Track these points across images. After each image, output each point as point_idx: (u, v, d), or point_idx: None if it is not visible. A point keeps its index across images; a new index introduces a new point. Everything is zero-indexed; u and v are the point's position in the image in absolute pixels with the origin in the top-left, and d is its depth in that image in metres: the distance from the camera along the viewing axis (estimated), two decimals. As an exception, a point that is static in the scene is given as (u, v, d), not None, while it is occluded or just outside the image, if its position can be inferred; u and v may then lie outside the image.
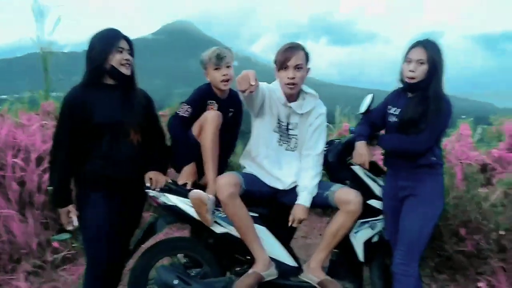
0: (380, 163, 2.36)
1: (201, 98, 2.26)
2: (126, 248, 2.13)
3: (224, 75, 2.22)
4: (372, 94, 2.27)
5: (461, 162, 3.49)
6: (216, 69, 2.22)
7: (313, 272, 2.09)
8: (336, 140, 2.42)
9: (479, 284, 2.61)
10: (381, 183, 2.25)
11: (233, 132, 2.42)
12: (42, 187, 3.15)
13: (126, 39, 1.95)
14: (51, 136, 3.56)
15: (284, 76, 2.05)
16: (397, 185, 2.10)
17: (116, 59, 1.89)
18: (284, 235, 2.21)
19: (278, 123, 2.15)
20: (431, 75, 1.96)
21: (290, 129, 2.16)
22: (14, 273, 2.82)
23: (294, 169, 2.18)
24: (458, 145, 3.91)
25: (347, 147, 2.28)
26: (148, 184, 2.07)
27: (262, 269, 2.00)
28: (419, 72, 1.96)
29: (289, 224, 2.09)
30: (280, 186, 2.16)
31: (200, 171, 2.20)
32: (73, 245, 3.14)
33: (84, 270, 2.03)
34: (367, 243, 2.18)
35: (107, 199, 1.93)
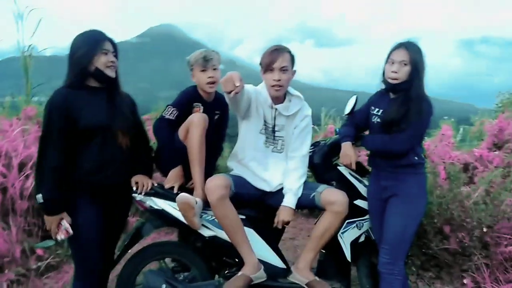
0: (366, 163, 2.39)
1: (187, 101, 2.26)
2: (111, 253, 2.10)
3: (210, 77, 2.22)
4: (356, 96, 2.30)
5: (444, 162, 3.57)
6: (202, 71, 2.22)
7: (301, 273, 2.10)
8: (322, 142, 2.44)
9: (464, 281, 2.66)
10: (367, 183, 2.28)
11: (219, 134, 2.42)
12: (25, 193, 3.09)
13: (111, 41, 1.92)
14: (33, 141, 3.51)
15: (270, 78, 2.06)
16: (381, 185, 2.13)
17: (101, 61, 1.86)
18: (272, 236, 2.21)
19: (265, 125, 2.16)
20: (413, 76, 1.99)
21: (276, 131, 2.17)
22: (-4, 282, 2.75)
23: (280, 171, 2.19)
24: (441, 145, 3.99)
25: (333, 148, 2.31)
26: (134, 188, 2.05)
27: (251, 272, 2.00)
28: (402, 73, 1.99)
29: (274, 225, 2.10)
30: (267, 188, 2.17)
31: (187, 175, 2.19)
32: (57, 252, 3.09)
33: (73, 276, 1.99)
34: (354, 243, 2.20)
35: (95, 204, 1.90)
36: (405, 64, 1.99)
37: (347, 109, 2.27)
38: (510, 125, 3.93)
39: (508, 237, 2.68)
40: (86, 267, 1.94)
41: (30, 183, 3.12)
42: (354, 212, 2.16)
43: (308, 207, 2.21)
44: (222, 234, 2.04)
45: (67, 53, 1.89)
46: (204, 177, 2.09)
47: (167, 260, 2.34)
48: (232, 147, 2.29)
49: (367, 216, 2.23)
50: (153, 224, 2.18)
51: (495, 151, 3.86)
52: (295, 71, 2.14)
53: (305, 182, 2.17)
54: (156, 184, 2.11)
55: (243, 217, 2.08)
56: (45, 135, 1.83)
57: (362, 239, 2.24)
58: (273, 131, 2.17)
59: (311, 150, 2.29)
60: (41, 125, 3.94)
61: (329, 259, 2.25)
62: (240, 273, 2.00)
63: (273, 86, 2.06)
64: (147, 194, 2.06)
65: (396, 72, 1.99)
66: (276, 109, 2.13)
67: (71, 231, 1.84)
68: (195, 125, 2.08)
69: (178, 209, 1.99)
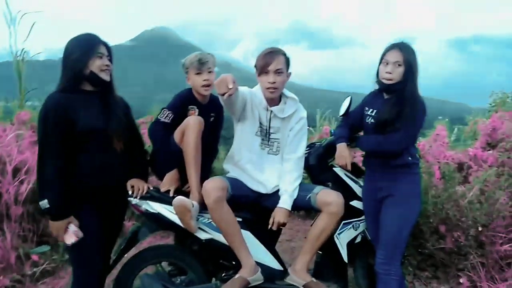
0: (361, 164, 2.40)
1: (182, 104, 2.26)
2: (108, 257, 2.09)
3: (205, 80, 2.22)
4: (350, 97, 2.31)
5: (438, 162, 3.59)
6: (197, 73, 2.23)
7: (298, 275, 2.10)
8: (317, 143, 2.45)
9: (460, 280, 2.67)
10: (362, 184, 2.29)
11: (214, 136, 2.42)
12: (19, 199, 3.07)
13: (105, 44, 1.91)
14: (27, 146, 3.49)
15: (264, 80, 2.06)
16: (376, 185, 2.14)
17: (96, 65, 1.85)
18: (269, 238, 2.21)
19: (260, 127, 2.16)
20: (407, 77, 2.01)
21: (271, 133, 2.18)
22: (-9, 289, 2.73)
23: (276, 173, 2.19)
24: (435, 145, 4.01)
25: (328, 149, 2.31)
26: (130, 192, 2.04)
27: (248, 274, 1.99)
28: (396, 74, 2.01)
29: (269, 227, 2.10)
30: (263, 190, 2.17)
31: (183, 178, 2.18)
32: (52, 257, 3.06)
33: (71, 282, 1.98)
34: (351, 244, 2.20)
35: (93, 209, 1.89)
36: (399, 65, 2.00)
37: (342, 110, 2.28)
38: (503, 124, 3.96)
39: (503, 236, 2.70)
40: (85, 272, 1.93)
41: (25, 188, 3.10)
42: (350, 213, 2.17)
43: (304, 208, 2.21)
44: (219, 237, 2.04)
45: (61, 57, 1.88)
46: (200, 179, 2.09)
47: (164, 264, 2.33)
48: (228, 149, 2.29)
49: (363, 217, 2.23)
50: (149, 228, 2.17)
51: (489, 150, 3.88)
52: (290, 73, 2.14)
53: (301, 184, 2.17)
54: (151, 188, 2.10)
55: (240, 219, 2.08)
56: (43, 140, 1.81)
57: (358, 239, 2.24)
58: (269, 133, 2.17)
59: (306, 152, 2.30)
60: (35, 130, 3.93)
61: (326, 260, 2.25)
62: (237, 275, 1.99)
63: (268, 88, 2.06)
64: (143, 197, 2.05)
65: (390, 73, 2.01)
66: (271, 111, 2.13)
67: (80, 234, 1.82)
68: (191, 128, 2.08)
69: (174, 212, 1.98)
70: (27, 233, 3.08)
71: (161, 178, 2.22)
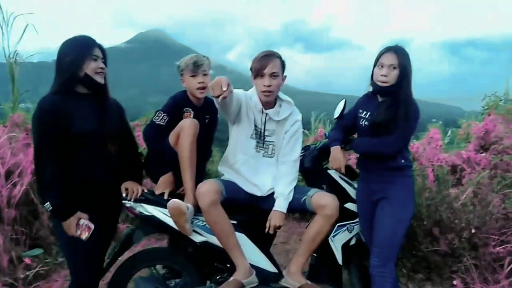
0: (355, 166, 2.41)
1: (177, 106, 2.26)
2: (102, 260, 2.08)
3: (200, 82, 2.22)
4: (345, 100, 2.33)
5: (432, 164, 3.61)
6: (192, 76, 2.23)
7: (293, 277, 2.10)
8: (312, 146, 2.46)
9: (454, 282, 2.69)
10: (357, 186, 2.30)
11: (209, 137, 2.42)
12: (12, 201, 3.04)
13: (100, 46, 1.89)
14: (20, 148, 3.46)
15: (260, 83, 2.07)
16: (370, 188, 2.15)
17: (91, 68, 1.83)
18: (264, 241, 2.21)
19: (255, 130, 2.17)
20: (401, 80, 2.02)
21: (266, 136, 2.18)
22: (-17, 292, 2.70)
23: (271, 176, 2.19)
24: (429, 148, 4.04)
25: (323, 152, 2.32)
26: (124, 195, 2.03)
27: (243, 277, 1.99)
28: (391, 76, 2.02)
29: (266, 230, 2.10)
30: (258, 193, 2.17)
31: (178, 181, 2.18)
32: (45, 261, 3.04)
33: (69, 284, 1.98)
34: (345, 246, 2.21)
35: (88, 211, 1.87)
36: (394, 68, 2.02)
37: (336, 113, 2.29)
38: (496, 127, 3.99)
39: (496, 238, 2.72)
40: (83, 273, 1.92)
41: (18, 191, 3.07)
42: (344, 215, 2.17)
43: (299, 211, 2.22)
44: (214, 240, 2.04)
45: (54, 59, 1.86)
46: (195, 182, 2.08)
47: (158, 266, 2.32)
48: (223, 151, 2.29)
49: (357, 219, 2.24)
50: (143, 231, 2.16)
51: (482, 153, 3.91)
52: (285, 76, 2.15)
53: (296, 186, 2.17)
54: (146, 190, 2.09)
55: (235, 222, 2.08)
56: (39, 141, 1.80)
57: (353, 242, 2.25)
58: (264, 136, 2.18)
59: (301, 154, 2.30)
60: (29, 132, 3.90)
61: (321, 263, 2.26)
62: (231, 278, 1.99)
63: (263, 91, 2.07)
64: (137, 200, 2.05)
65: (385, 76, 2.02)
66: (266, 114, 2.14)
67: (92, 225, 1.82)
68: (186, 130, 2.08)
69: (169, 215, 1.98)
70: (19, 236, 3.06)
71: (155, 181, 2.22)
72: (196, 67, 2.22)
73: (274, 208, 2.10)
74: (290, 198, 2.13)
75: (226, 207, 2.01)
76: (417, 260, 2.95)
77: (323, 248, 2.15)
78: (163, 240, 3.45)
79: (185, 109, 2.27)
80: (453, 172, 3.74)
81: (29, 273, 2.87)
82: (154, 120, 2.20)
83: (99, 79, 1.87)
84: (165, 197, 2.08)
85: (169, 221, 2.01)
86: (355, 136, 2.31)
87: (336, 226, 2.16)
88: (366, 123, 2.14)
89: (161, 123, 2.17)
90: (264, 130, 2.17)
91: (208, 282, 2.18)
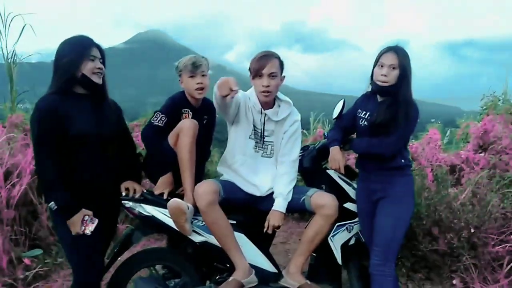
0: (354, 166, 2.41)
1: (175, 107, 2.25)
2: (102, 261, 2.08)
3: (198, 83, 2.22)
4: (344, 100, 2.33)
5: (431, 164, 3.62)
6: (191, 77, 2.23)
7: (292, 277, 2.11)
8: (311, 146, 2.46)
9: (453, 281, 2.69)
10: (356, 186, 2.30)
11: (207, 138, 2.42)
12: (11, 202, 3.04)
13: (98, 47, 1.89)
14: (19, 149, 3.46)
15: (258, 84, 2.07)
16: (369, 187, 2.15)
17: (88, 68, 1.83)
18: (263, 241, 2.21)
19: (254, 130, 2.17)
20: (401, 80, 2.03)
21: (265, 136, 2.18)
22: (-18, 293, 2.70)
23: (270, 176, 2.19)
24: (428, 148, 4.04)
25: (322, 152, 2.32)
26: (124, 194, 2.03)
27: (242, 277, 1.99)
28: (391, 76, 2.02)
29: (264, 230, 2.10)
30: (257, 193, 2.17)
31: (177, 181, 2.18)
32: (45, 261, 3.04)
33: (72, 283, 1.98)
34: (345, 246, 2.21)
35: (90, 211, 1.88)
36: (394, 68, 2.02)
37: (335, 113, 2.29)
38: (494, 127, 4.00)
39: (495, 237, 2.72)
40: (86, 272, 1.91)
41: (17, 191, 3.07)
42: (344, 215, 2.17)
43: (298, 211, 2.22)
44: (213, 240, 2.04)
45: (53, 59, 1.86)
46: (195, 182, 2.09)
47: (158, 267, 2.32)
48: (222, 152, 2.29)
49: (357, 219, 2.24)
50: (143, 231, 2.16)
51: (480, 153, 3.92)
52: (284, 76, 2.15)
53: (295, 186, 2.17)
54: (145, 191, 2.09)
55: (234, 222, 2.08)
56: (39, 141, 1.79)
57: (352, 241, 2.25)
58: (263, 136, 2.18)
59: (300, 155, 2.30)
60: (27, 132, 3.90)
61: (320, 263, 2.26)
62: (231, 278, 1.99)
63: (262, 92, 2.07)
64: (137, 200, 2.05)
65: (385, 76, 2.02)
66: (265, 114, 2.14)
67: (96, 220, 1.84)
68: (186, 131, 2.08)
69: (168, 215, 1.98)
70: (19, 237, 3.06)
71: (154, 181, 2.22)
72: (195, 68, 2.22)
73: (273, 208, 2.10)
74: (289, 198, 2.13)
75: (225, 207, 2.01)
76: (416, 259, 2.95)
77: (323, 248, 2.15)
78: (163, 241, 3.45)
79: (183, 110, 2.27)
80: (452, 172, 3.74)
81: (29, 273, 2.87)
82: (152, 121, 2.20)
83: (97, 79, 1.87)
84: (165, 197, 2.08)
85: (169, 221, 2.01)
86: (354, 136, 2.31)
87: (336, 226, 2.16)
88: (365, 123, 2.15)
89: (159, 124, 2.17)
90: (263, 130, 2.17)
91: (207, 282, 2.18)
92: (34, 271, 2.90)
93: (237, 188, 2.16)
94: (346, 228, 2.22)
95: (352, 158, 3.70)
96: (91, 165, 1.87)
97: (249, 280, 2.02)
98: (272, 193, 2.17)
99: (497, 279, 2.61)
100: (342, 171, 2.20)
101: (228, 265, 2.10)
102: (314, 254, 2.23)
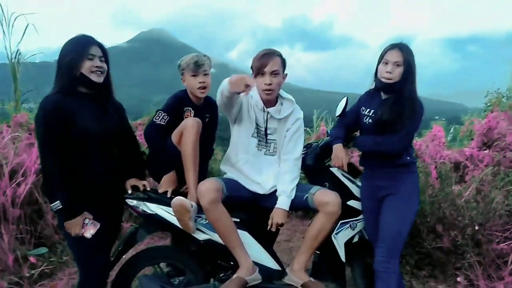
0: (357, 164, 2.41)
1: (177, 105, 2.26)
2: (107, 259, 2.09)
3: (201, 82, 2.22)
4: (347, 97, 2.32)
5: (435, 161, 3.61)
6: (193, 75, 2.23)
7: (296, 275, 2.11)
8: (314, 144, 2.46)
9: (458, 279, 2.69)
10: (359, 184, 2.30)
11: (210, 136, 2.43)
12: (16, 201, 3.06)
13: (100, 45, 1.89)
14: (24, 148, 3.48)
15: (261, 82, 2.07)
16: (375, 185, 2.15)
17: (86, 67, 1.83)
18: (267, 239, 2.21)
19: (257, 128, 2.17)
20: (406, 77, 2.02)
21: (268, 134, 2.18)
22: (-11, 291, 2.72)
23: (273, 174, 2.20)
24: (432, 145, 4.03)
25: (325, 150, 2.32)
26: (129, 192, 2.04)
27: (246, 274, 2.00)
28: (396, 73, 2.02)
29: (268, 228, 2.11)
30: (260, 191, 2.17)
31: (180, 179, 2.19)
32: (50, 259, 3.06)
33: (77, 282, 1.99)
34: (348, 243, 2.21)
35: (92, 211, 1.88)
36: (399, 65, 2.01)
37: (338, 111, 2.29)
38: (499, 124, 3.98)
39: (500, 235, 2.71)
40: (92, 271, 1.93)
41: (22, 190, 3.09)
42: (347, 212, 2.17)
43: (302, 208, 2.22)
44: (217, 238, 2.04)
45: (56, 58, 1.87)
46: (198, 180, 2.09)
47: (162, 264, 2.33)
48: (225, 150, 2.30)
49: (360, 217, 2.24)
50: (147, 229, 2.17)
51: (485, 150, 3.90)
52: (286, 74, 2.15)
53: (298, 184, 2.18)
54: (149, 189, 2.10)
55: (237, 220, 2.09)
56: (44, 141, 1.80)
57: (356, 239, 2.25)
58: (265, 134, 2.18)
59: (303, 152, 2.30)
60: (32, 132, 3.92)
61: (324, 260, 2.26)
62: (235, 275, 2.00)
63: (264, 90, 2.07)
64: (141, 199, 2.06)
65: (390, 73, 2.02)
66: (268, 112, 2.14)
67: (98, 224, 1.85)
68: (189, 129, 2.08)
69: (172, 213, 1.99)
70: (24, 235, 3.08)
71: (158, 180, 2.23)
72: (197, 67, 2.22)
73: (276, 206, 2.11)
74: (293, 196, 2.13)
75: (228, 205, 2.02)
76: (420, 257, 2.95)
77: (326, 245, 2.16)
78: (167, 239, 3.47)
79: (185, 108, 2.27)
80: (456, 169, 3.72)
81: (34, 271, 2.89)
82: (154, 119, 2.20)
83: (95, 78, 1.86)
84: (168, 195, 2.09)
85: (173, 219, 2.02)
86: (357, 133, 2.31)
87: (339, 223, 2.16)
88: (369, 120, 2.14)
89: (162, 123, 2.18)
90: (266, 128, 2.17)
91: (211, 280, 2.19)
92: (40, 269, 2.92)
93: (240, 186, 2.16)
94: (350, 225, 2.22)
95: (355, 155, 3.69)
96: (95, 163, 1.88)
97: (253, 278, 2.02)
98: (275, 191, 2.17)
99: (501, 276, 2.61)
100: (345, 168, 2.20)
101: (232, 263, 2.10)
102: (318, 252, 2.23)
